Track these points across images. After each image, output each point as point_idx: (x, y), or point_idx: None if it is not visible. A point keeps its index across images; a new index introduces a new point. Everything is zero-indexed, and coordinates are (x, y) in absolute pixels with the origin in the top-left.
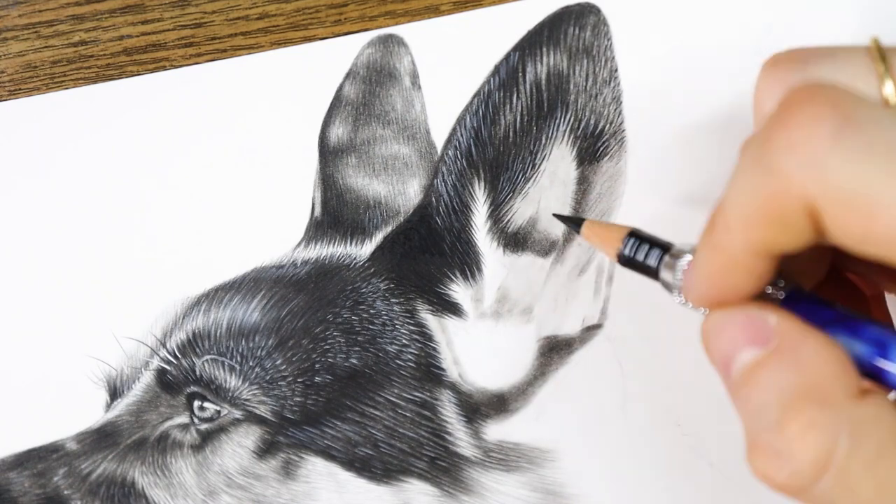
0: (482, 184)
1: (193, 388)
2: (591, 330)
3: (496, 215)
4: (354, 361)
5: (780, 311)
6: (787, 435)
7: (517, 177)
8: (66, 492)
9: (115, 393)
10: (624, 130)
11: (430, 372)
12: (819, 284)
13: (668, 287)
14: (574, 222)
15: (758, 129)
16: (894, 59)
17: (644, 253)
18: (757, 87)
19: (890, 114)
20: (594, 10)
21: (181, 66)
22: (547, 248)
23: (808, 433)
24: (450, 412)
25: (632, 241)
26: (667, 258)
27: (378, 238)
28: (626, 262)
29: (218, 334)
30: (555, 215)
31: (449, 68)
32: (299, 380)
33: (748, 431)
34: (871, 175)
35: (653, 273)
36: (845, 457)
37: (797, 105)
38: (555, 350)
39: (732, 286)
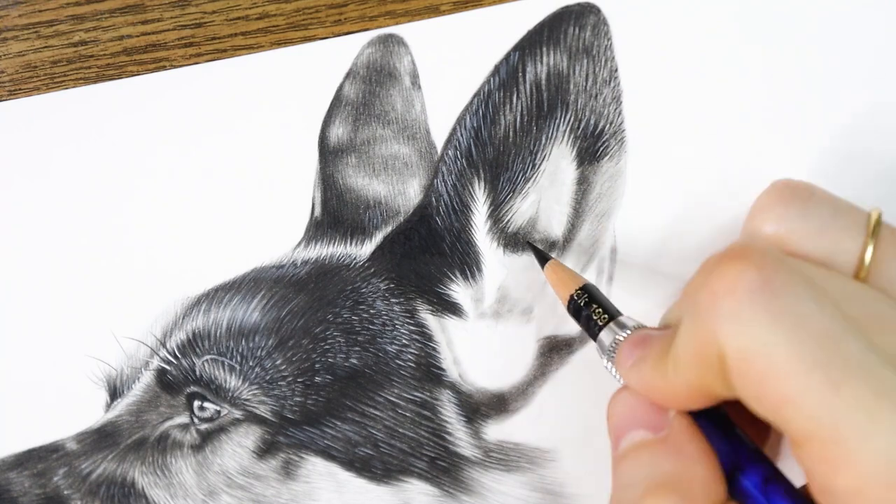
0: (482, 184)
1: (193, 388)
2: None
3: (496, 215)
4: (354, 361)
5: (678, 412)
6: None
7: (517, 177)
8: (66, 492)
9: (115, 393)
10: (624, 130)
11: (430, 372)
12: None
13: (601, 350)
14: (541, 258)
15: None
16: (888, 236)
17: (590, 310)
18: (756, 203)
19: (809, 287)
20: (594, 10)
21: (181, 66)
22: (547, 248)
23: None
24: (450, 412)
25: (584, 294)
26: (612, 325)
27: (378, 238)
28: (574, 312)
29: (218, 334)
30: (527, 243)
31: (449, 68)
32: (299, 380)
33: (613, 499)
34: (772, 341)
35: (592, 333)
36: None
37: (730, 259)
38: (555, 350)
39: (664, 403)
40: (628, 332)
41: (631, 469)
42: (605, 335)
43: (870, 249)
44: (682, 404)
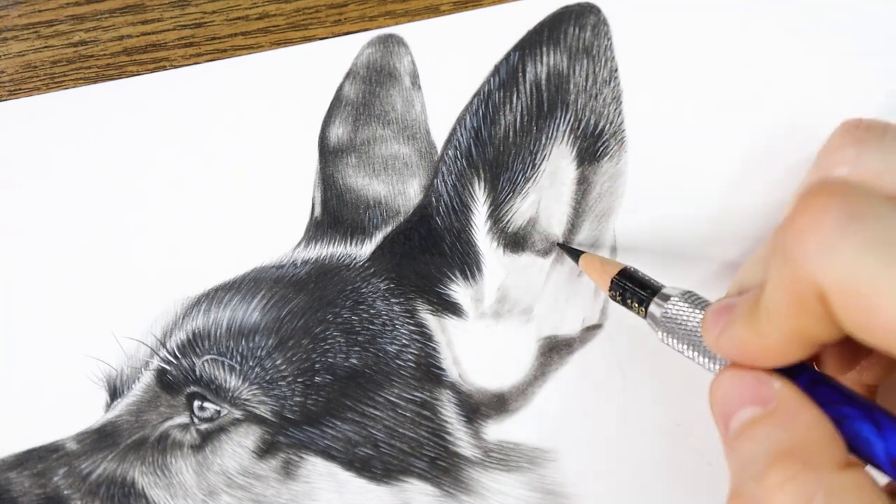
0: (482, 184)
1: (193, 388)
2: (591, 330)
3: (496, 215)
4: (354, 361)
5: (784, 380)
6: (766, 485)
7: (517, 177)
8: (66, 492)
9: (115, 393)
10: (624, 130)
11: (430, 372)
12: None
13: (654, 324)
14: (573, 253)
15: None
16: None
17: (633, 290)
18: (826, 145)
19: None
20: (594, 10)
21: (181, 66)
22: (547, 249)
23: (787, 486)
24: (450, 412)
25: (623, 278)
26: (656, 299)
27: (378, 238)
28: (618, 297)
29: (218, 334)
30: (558, 244)
31: (449, 68)
32: (299, 380)
33: (733, 481)
34: (871, 268)
35: (640, 311)
36: None
37: (810, 196)
38: (555, 350)
39: (762, 361)
40: (674, 299)
41: (747, 447)
42: (654, 309)
43: None
44: (781, 359)
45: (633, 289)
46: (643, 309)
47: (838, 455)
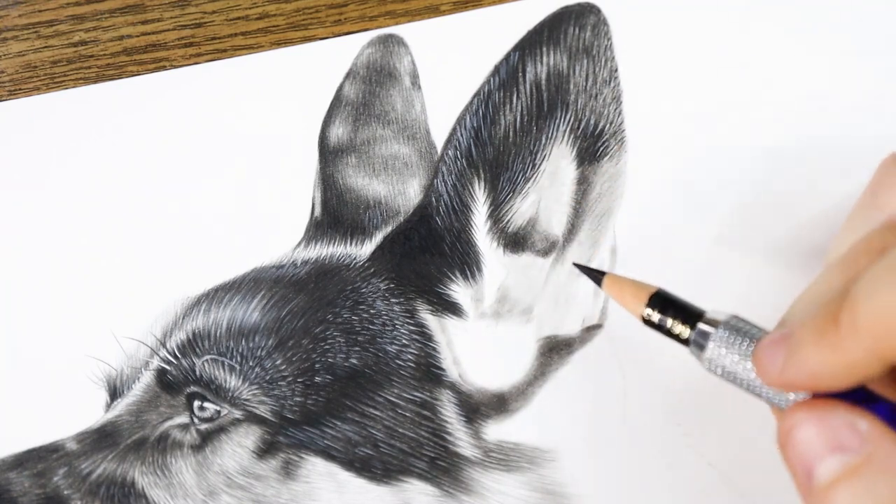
0: (482, 184)
1: (193, 388)
2: (591, 330)
3: (496, 215)
4: (354, 361)
5: (868, 416)
6: None
7: (517, 177)
8: (66, 492)
9: (115, 393)
10: (624, 130)
11: (430, 372)
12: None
13: (698, 356)
14: (595, 275)
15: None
16: None
17: (671, 315)
18: (878, 178)
19: None
20: (594, 10)
21: (181, 66)
22: (547, 249)
23: None
24: (450, 412)
25: (658, 303)
26: (700, 325)
27: (378, 238)
28: (650, 323)
29: (218, 334)
30: (575, 265)
31: (449, 68)
32: (299, 380)
33: None
34: None
35: (682, 341)
36: None
37: None
38: (555, 350)
39: (837, 385)
40: (721, 327)
41: (848, 501)
42: (699, 337)
43: None
44: (853, 376)
45: (672, 316)
46: (685, 337)
47: None
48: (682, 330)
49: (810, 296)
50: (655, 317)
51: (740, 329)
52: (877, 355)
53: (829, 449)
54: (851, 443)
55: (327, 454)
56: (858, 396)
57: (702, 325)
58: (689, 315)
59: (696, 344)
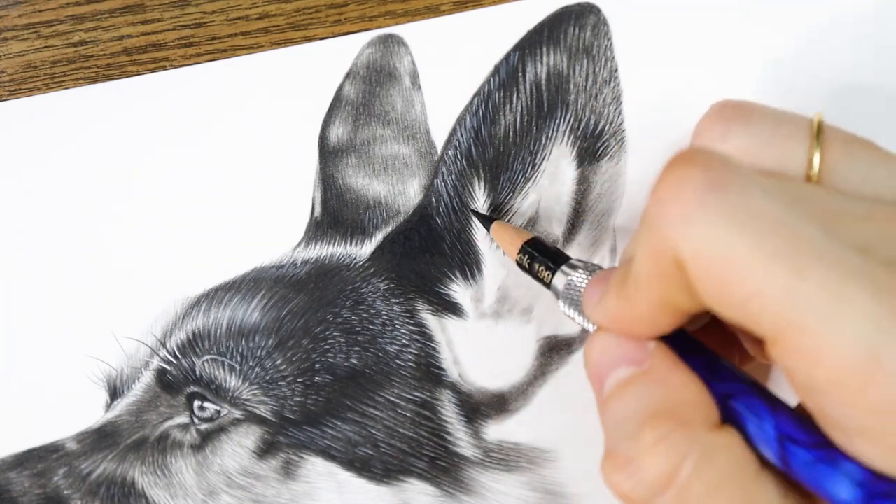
0: (482, 184)
1: (193, 388)
2: None
3: (496, 215)
4: (354, 361)
5: (658, 342)
6: (640, 444)
7: (517, 177)
8: (66, 492)
9: (115, 393)
10: (624, 130)
11: (430, 372)
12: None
13: (556, 294)
14: (486, 220)
15: None
16: (832, 137)
17: (541, 260)
18: (698, 125)
19: (759, 182)
20: (594, 10)
21: (181, 66)
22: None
23: (660, 445)
24: (450, 412)
25: (531, 248)
26: (564, 268)
27: (378, 238)
28: (524, 266)
29: (218, 334)
30: (470, 210)
31: (449, 68)
32: (299, 380)
33: (607, 441)
34: (728, 237)
35: (545, 281)
36: (688, 477)
37: (674, 165)
38: (555, 350)
39: (634, 330)
40: (580, 270)
41: (620, 406)
42: (558, 280)
43: (817, 153)
44: (652, 328)
45: (540, 258)
46: (549, 279)
47: (711, 416)
48: (546, 274)
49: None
50: (526, 261)
51: (593, 272)
52: (663, 309)
53: (618, 362)
54: (638, 358)
55: (327, 454)
56: (677, 335)
57: (565, 268)
58: (555, 260)
59: (555, 287)
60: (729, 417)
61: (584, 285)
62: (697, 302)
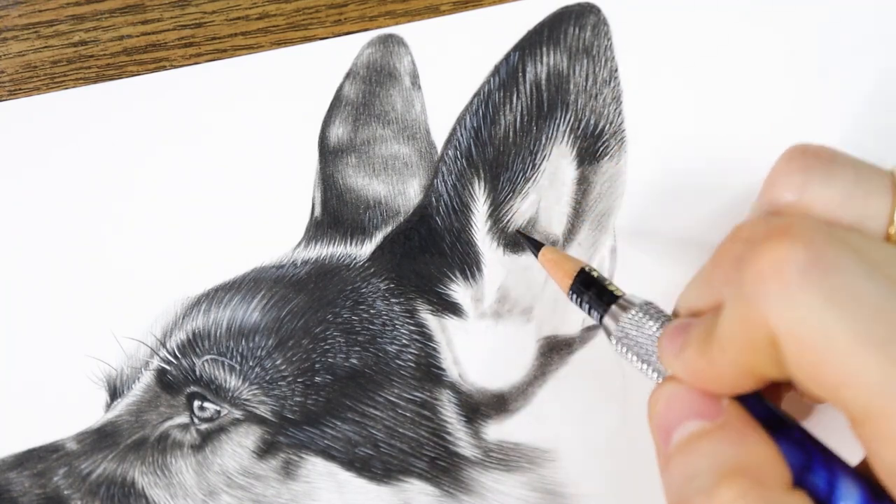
0: (482, 184)
1: (193, 388)
2: (591, 330)
3: (496, 215)
4: (354, 361)
5: (731, 399)
6: (716, 501)
7: (517, 177)
8: (66, 492)
9: (115, 393)
10: (624, 130)
11: (430, 372)
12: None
13: (607, 332)
14: (534, 245)
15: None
16: None
17: (593, 292)
18: (774, 170)
19: (860, 262)
20: (594, 10)
21: (181, 66)
22: None
23: (739, 503)
24: (450, 412)
25: (583, 277)
26: (614, 307)
27: (378, 238)
28: (577, 298)
29: (218, 334)
30: (518, 232)
31: (449, 68)
32: (299, 380)
33: (672, 494)
34: (827, 321)
35: (597, 316)
36: None
37: (775, 236)
38: (555, 350)
39: (712, 387)
40: (635, 309)
41: (693, 459)
42: (611, 317)
43: None
44: (730, 388)
45: (591, 294)
46: (600, 315)
47: (785, 476)
48: (595, 314)
49: (698, 282)
50: (576, 299)
51: (651, 314)
52: (747, 375)
53: (689, 415)
54: (711, 412)
55: (327, 454)
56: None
57: (615, 308)
58: (605, 293)
59: (607, 325)
60: (799, 481)
61: (642, 327)
62: (785, 375)
